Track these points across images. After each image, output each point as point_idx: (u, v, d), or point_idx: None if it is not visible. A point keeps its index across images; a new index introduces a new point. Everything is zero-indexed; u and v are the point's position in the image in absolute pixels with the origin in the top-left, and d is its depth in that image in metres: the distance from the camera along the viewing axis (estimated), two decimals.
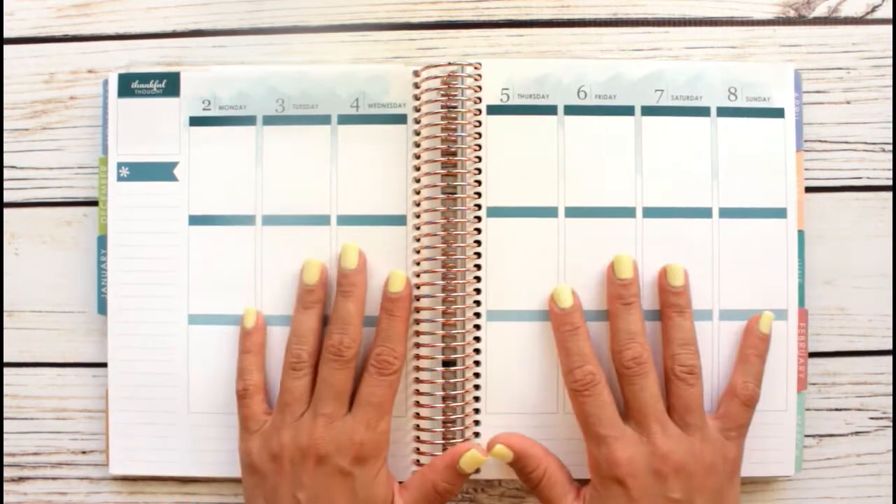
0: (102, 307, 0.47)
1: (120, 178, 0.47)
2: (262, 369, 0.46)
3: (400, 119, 0.46)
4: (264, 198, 0.46)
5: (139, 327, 0.47)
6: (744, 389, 0.43)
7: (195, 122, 0.47)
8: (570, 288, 0.45)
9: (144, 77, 0.47)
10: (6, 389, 0.48)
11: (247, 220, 0.46)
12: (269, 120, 0.46)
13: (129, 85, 0.47)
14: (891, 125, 0.47)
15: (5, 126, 0.48)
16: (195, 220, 0.47)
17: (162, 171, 0.47)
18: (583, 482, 0.44)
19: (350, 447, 0.42)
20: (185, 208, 0.47)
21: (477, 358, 0.45)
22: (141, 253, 0.47)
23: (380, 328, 0.44)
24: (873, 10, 0.47)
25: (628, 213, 0.46)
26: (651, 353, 0.43)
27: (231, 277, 0.46)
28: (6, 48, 0.49)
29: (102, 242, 0.47)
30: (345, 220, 0.46)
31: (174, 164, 0.47)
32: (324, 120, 0.46)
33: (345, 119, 0.46)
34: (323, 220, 0.46)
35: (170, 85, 0.47)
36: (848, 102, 0.47)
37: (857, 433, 0.47)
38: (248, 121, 0.47)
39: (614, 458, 0.41)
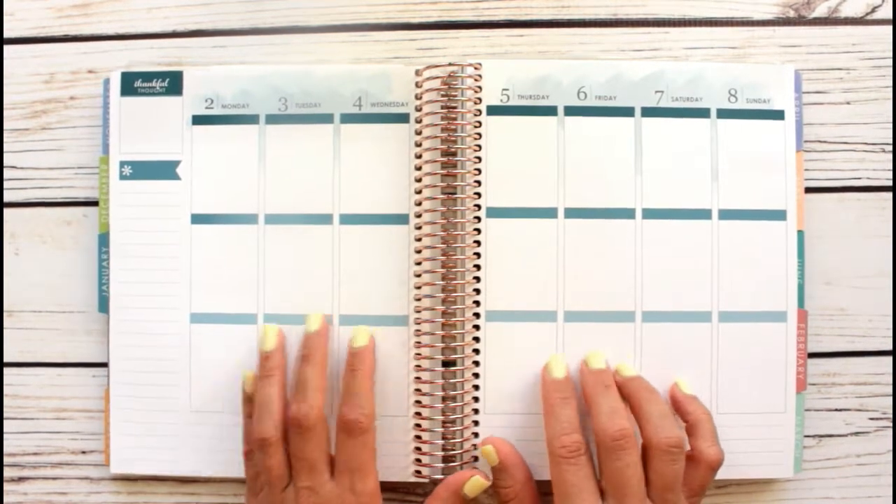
0: (103, 305, 0.47)
1: (122, 177, 0.47)
2: None
3: (402, 118, 0.46)
4: (267, 197, 0.46)
5: (141, 326, 0.46)
6: (712, 454, 0.42)
7: (198, 120, 0.47)
8: (565, 359, 0.44)
9: (147, 76, 0.47)
10: (6, 389, 0.48)
11: (249, 218, 0.46)
12: (272, 119, 0.46)
13: (132, 83, 0.47)
14: (891, 125, 0.47)
15: (5, 126, 0.48)
16: (197, 219, 0.47)
17: (164, 170, 0.47)
18: None
19: None
20: (188, 207, 0.47)
21: (476, 358, 0.45)
22: (143, 251, 0.47)
23: (344, 385, 0.43)
24: (873, 10, 0.47)
25: (628, 214, 0.46)
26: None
27: (233, 276, 0.46)
28: (6, 48, 0.49)
29: (104, 240, 0.47)
30: (347, 219, 0.46)
31: (177, 163, 0.47)
32: (326, 119, 0.46)
33: (347, 118, 0.46)
34: (325, 219, 0.46)
35: (172, 84, 0.47)
36: (848, 103, 0.47)
37: (856, 433, 0.47)
38: (250, 119, 0.47)
39: None
